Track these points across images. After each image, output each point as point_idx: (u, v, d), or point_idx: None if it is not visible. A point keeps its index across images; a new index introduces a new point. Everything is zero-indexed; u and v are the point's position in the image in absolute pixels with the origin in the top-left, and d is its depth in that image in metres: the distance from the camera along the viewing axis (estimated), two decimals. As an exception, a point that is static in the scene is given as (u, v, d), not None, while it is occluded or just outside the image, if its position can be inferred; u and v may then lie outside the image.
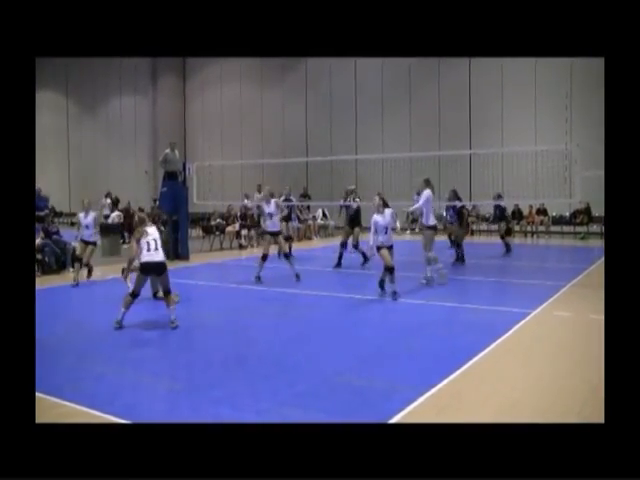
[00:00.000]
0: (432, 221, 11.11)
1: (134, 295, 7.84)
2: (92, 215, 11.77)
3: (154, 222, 9.16)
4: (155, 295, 9.48)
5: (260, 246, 19.65)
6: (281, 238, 11.70)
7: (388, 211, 9.75)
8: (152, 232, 7.99)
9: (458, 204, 15.06)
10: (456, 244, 14.73)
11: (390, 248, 9.73)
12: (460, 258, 14.37)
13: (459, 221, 15.05)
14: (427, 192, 11.07)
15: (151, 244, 7.83)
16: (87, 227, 11.65)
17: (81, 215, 11.78)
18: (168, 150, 16.14)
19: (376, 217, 9.70)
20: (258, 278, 11.24)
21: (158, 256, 7.85)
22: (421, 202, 11.07)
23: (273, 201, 11.71)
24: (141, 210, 23.06)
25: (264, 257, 11.31)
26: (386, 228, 9.65)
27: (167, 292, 7.94)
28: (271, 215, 11.56)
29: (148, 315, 8.50)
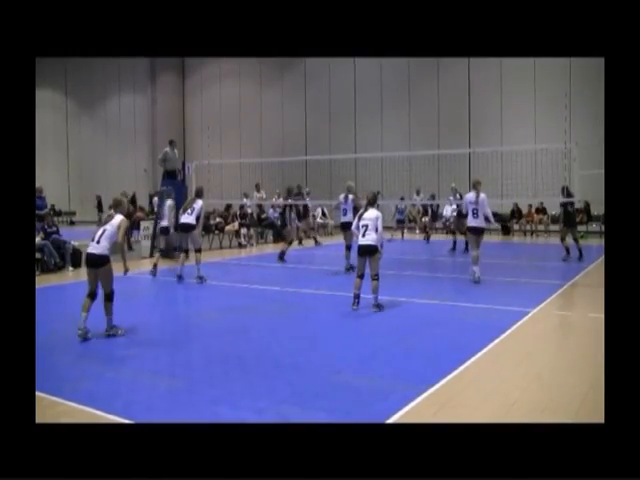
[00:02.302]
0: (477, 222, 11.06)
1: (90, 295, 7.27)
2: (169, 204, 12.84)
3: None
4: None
5: (258, 245, 19.72)
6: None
7: (373, 212, 8.92)
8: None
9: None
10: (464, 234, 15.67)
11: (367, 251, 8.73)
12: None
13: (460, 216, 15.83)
14: (483, 195, 11.09)
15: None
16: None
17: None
18: (167, 148, 16.12)
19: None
20: (349, 268, 12.16)
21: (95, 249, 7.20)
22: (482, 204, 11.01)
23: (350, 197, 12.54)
24: (142, 209, 23.06)
25: (348, 247, 12.39)
26: (366, 227, 8.77)
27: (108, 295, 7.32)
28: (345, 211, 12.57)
29: (148, 314, 8.50)
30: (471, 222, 11.16)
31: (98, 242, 7.18)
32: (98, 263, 7.16)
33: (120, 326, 7.48)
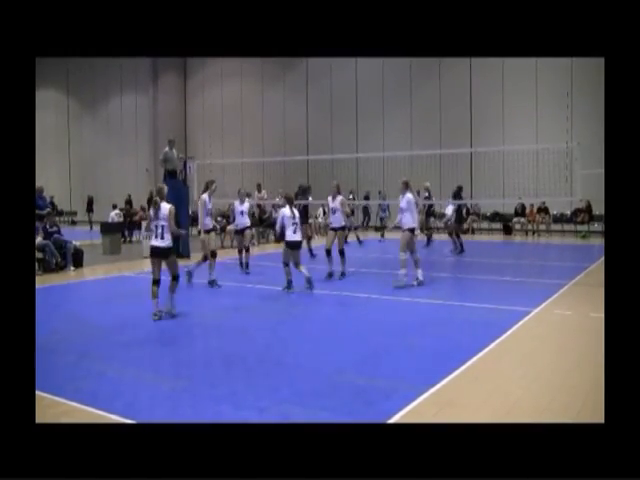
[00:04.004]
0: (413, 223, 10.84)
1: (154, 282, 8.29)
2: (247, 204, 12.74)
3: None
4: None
5: (260, 245, 19.71)
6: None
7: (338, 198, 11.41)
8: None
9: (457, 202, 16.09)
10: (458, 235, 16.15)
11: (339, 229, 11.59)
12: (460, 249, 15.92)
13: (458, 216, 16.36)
14: (410, 195, 10.87)
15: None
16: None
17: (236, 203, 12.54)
18: (167, 148, 16.13)
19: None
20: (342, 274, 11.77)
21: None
22: (407, 204, 10.76)
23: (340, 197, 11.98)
24: (143, 209, 23.08)
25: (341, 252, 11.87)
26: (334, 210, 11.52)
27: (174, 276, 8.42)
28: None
29: (150, 313, 8.50)
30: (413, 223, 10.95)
31: (162, 237, 8.17)
32: (166, 254, 8.28)
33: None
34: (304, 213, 16.34)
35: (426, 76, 24.97)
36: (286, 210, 10.39)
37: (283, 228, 10.39)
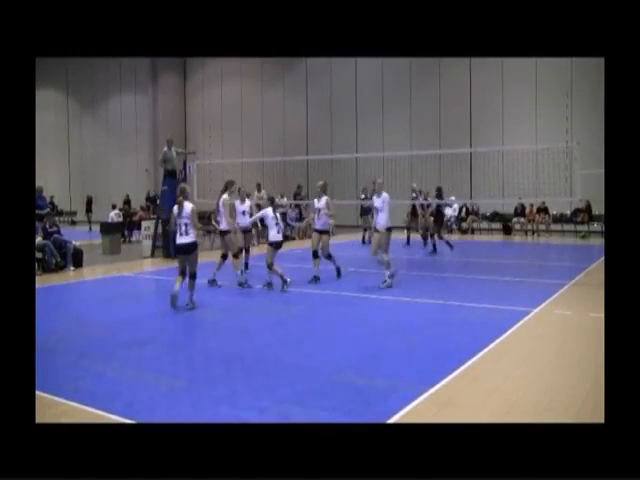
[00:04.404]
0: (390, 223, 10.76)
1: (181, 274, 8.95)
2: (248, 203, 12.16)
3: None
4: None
5: (260, 244, 19.67)
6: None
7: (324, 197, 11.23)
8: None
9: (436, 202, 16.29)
10: (433, 237, 16.43)
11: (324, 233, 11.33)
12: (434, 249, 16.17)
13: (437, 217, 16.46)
14: (386, 195, 10.76)
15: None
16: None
17: (237, 202, 11.86)
18: (166, 149, 16.14)
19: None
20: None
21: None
22: (382, 204, 10.62)
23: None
24: (143, 209, 23.09)
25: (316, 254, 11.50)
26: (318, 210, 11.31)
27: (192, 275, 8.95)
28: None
29: (149, 313, 8.51)
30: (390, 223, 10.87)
31: (187, 234, 8.82)
32: (190, 249, 8.89)
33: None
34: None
35: (426, 76, 24.96)
36: (269, 211, 10.53)
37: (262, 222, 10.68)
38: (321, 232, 11.45)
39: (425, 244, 17.39)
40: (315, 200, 11.78)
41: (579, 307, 8.68)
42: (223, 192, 11.34)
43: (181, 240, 8.88)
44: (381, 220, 10.61)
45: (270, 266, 10.42)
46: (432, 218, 16.48)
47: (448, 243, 15.88)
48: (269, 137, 29.03)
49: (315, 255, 11.33)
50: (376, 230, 10.78)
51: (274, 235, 10.44)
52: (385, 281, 10.53)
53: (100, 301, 10.03)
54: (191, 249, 8.89)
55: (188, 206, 8.85)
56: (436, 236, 16.31)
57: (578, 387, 5.29)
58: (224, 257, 11.21)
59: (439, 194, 16.30)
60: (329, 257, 11.55)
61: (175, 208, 8.99)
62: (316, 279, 11.19)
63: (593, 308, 8.30)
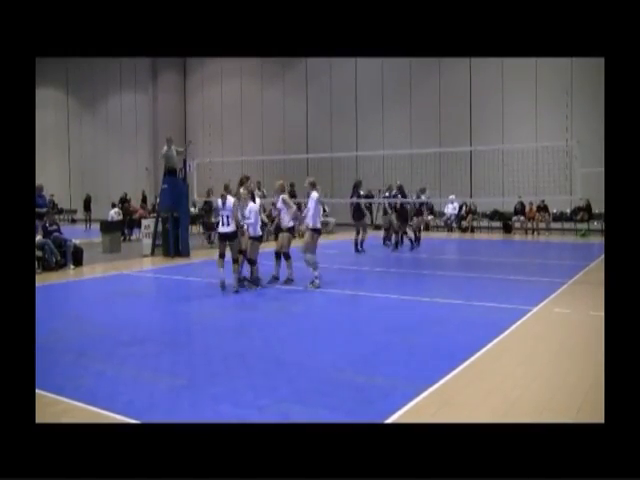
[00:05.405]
0: (318, 224, 10.78)
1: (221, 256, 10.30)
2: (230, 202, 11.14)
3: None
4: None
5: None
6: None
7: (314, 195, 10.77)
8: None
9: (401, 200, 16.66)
10: (397, 233, 16.85)
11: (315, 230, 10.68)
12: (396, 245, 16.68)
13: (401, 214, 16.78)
14: (315, 194, 10.74)
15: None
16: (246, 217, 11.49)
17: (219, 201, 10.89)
18: (165, 147, 16.15)
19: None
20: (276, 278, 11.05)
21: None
22: (312, 204, 10.62)
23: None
24: (143, 207, 23.09)
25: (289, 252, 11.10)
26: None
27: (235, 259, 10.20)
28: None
29: (149, 311, 8.52)
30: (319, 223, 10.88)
31: (228, 224, 10.18)
32: (232, 237, 10.27)
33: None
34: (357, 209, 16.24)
35: (426, 75, 24.94)
36: (255, 206, 10.52)
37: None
38: (283, 230, 11.06)
39: (387, 241, 17.56)
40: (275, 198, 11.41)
41: (579, 306, 8.68)
42: (239, 187, 10.90)
43: (223, 229, 10.25)
44: (308, 220, 10.63)
45: (253, 262, 10.52)
46: (395, 214, 16.89)
47: (411, 240, 16.61)
48: (269, 136, 29.01)
49: (286, 256, 10.93)
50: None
51: (257, 230, 10.57)
52: (313, 282, 10.42)
53: (100, 300, 10.03)
54: (232, 237, 10.21)
55: (230, 200, 10.12)
56: (400, 233, 16.87)
57: (578, 386, 5.29)
58: (241, 253, 10.68)
59: (401, 192, 16.79)
60: (287, 257, 10.93)
61: (219, 201, 10.28)
62: (275, 279, 10.96)
63: (593, 307, 8.31)
